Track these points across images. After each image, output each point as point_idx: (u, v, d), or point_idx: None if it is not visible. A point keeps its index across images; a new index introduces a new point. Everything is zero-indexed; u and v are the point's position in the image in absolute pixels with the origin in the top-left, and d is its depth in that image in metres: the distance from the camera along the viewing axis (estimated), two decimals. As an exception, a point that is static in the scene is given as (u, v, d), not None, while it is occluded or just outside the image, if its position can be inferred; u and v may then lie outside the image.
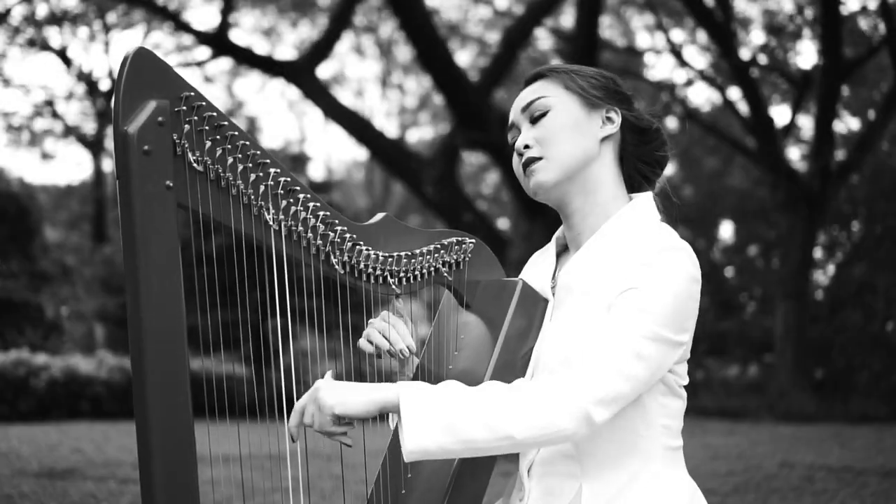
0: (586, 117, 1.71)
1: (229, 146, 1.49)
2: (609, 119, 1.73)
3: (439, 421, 1.46)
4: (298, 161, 19.35)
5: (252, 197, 1.51)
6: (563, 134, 1.69)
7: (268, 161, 1.52)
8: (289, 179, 1.54)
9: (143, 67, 1.40)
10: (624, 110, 1.74)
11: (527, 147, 1.70)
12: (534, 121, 1.71)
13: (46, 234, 19.70)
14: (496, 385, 1.51)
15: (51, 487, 6.82)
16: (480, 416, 1.46)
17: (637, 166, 1.77)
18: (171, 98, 1.42)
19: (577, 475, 1.64)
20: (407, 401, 1.47)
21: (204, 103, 1.45)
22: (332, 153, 41.99)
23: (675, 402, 1.67)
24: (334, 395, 1.49)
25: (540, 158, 1.69)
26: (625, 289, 1.56)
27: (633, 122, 1.75)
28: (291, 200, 1.55)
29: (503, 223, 25.30)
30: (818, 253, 17.42)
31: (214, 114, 1.46)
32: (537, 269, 1.82)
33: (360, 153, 29.24)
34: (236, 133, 1.49)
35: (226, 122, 1.48)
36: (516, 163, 1.74)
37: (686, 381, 1.69)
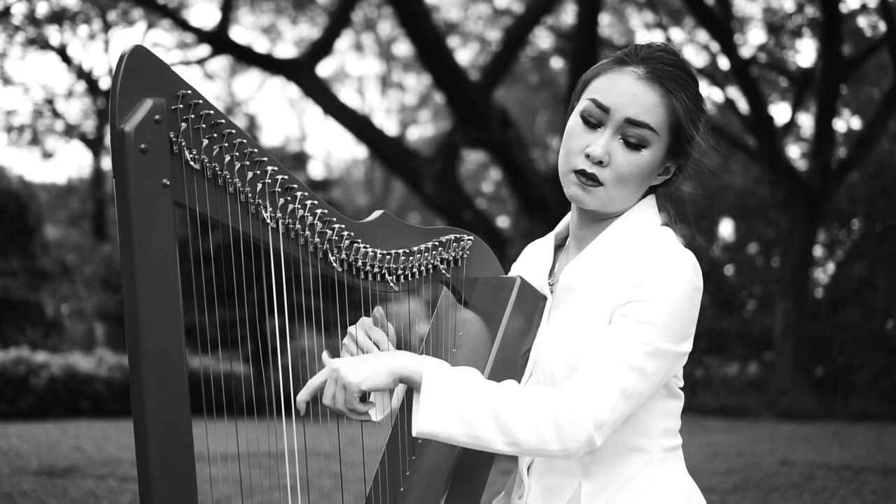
0: (658, 167, 1.64)
1: (226, 144, 1.48)
2: (667, 170, 1.67)
3: (456, 411, 1.47)
4: (299, 159, 19.32)
5: (249, 195, 1.51)
6: (636, 180, 1.62)
7: (265, 159, 1.52)
8: (286, 177, 1.53)
9: (139, 65, 1.40)
10: (688, 165, 1.68)
11: (600, 162, 1.60)
12: (626, 141, 1.60)
13: (46, 232, 19.66)
14: (514, 387, 1.52)
15: (51, 486, 6.82)
16: (496, 417, 1.47)
17: (661, 191, 1.73)
18: (168, 96, 1.42)
19: (576, 473, 1.64)
20: (429, 381, 1.47)
21: (201, 101, 1.45)
22: (333, 151, 42.02)
23: (672, 403, 1.67)
24: (358, 371, 1.48)
25: (601, 185, 1.61)
26: (626, 301, 1.56)
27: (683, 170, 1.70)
28: (289, 198, 1.55)
29: (503, 221, 25.32)
30: (818, 251, 17.40)
31: (211, 111, 1.46)
32: (534, 264, 1.80)
33: (361, 151, 29.23)
34: (233, 131, 1.48)
35: (223, 120, 1.47)
36: (575, 145, 1.61)
37: (682, 382, 1.69)
